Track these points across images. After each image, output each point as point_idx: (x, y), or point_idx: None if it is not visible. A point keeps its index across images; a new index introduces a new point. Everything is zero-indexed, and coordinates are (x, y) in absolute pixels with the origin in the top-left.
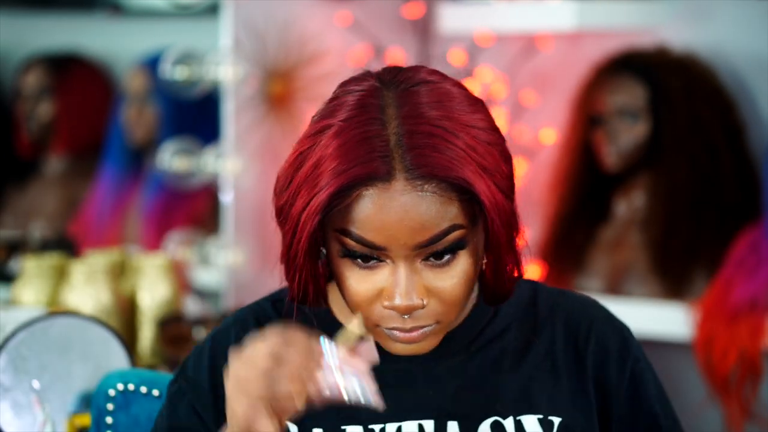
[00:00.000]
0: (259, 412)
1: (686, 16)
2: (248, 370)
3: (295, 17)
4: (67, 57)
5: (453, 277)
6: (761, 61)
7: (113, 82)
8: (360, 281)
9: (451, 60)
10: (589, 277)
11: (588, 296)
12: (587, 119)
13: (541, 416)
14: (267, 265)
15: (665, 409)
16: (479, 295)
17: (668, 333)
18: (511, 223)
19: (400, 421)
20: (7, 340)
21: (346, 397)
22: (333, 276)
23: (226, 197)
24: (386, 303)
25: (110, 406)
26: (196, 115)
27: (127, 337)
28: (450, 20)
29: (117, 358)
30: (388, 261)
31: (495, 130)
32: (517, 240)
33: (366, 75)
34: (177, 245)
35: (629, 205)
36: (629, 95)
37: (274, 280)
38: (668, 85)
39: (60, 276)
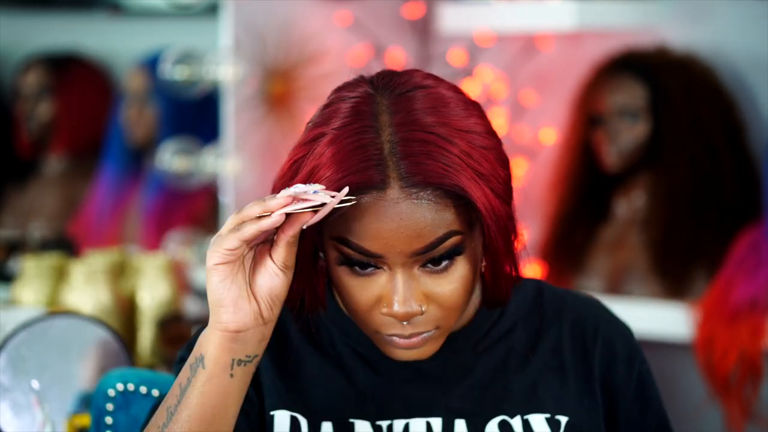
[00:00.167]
0: (224, 236)
1: (686, 16)
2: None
3: (295, 17)
4: (67, 57)
5: (451, 282)
6: (761, 61)
7: (113, 82)
8: (358, 288)
9: (451, 60)
10: (589, 277)
11: (591, 296)
12: (587, 119)
13: (548, 415)
14: None
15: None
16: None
17: (668, 333)
18: (508, 228)
19: (409, 418)
20: (6, 340)
21: (305, 186)
22: (332, 283)
23: (226, 197)
24: (384, 310)
25: (110, 406)
26: (195, 115)
27: (127, 337)
28: (450, 20)
29: (117, 358)
30: (385, 268)
31: (491, 133)
32: (515, 243)
33: (360, 81)
34: (177, 245)
35: (629, 205)
36: (629, 95)
37: None
38: (668, 85)
39: (60, 276)
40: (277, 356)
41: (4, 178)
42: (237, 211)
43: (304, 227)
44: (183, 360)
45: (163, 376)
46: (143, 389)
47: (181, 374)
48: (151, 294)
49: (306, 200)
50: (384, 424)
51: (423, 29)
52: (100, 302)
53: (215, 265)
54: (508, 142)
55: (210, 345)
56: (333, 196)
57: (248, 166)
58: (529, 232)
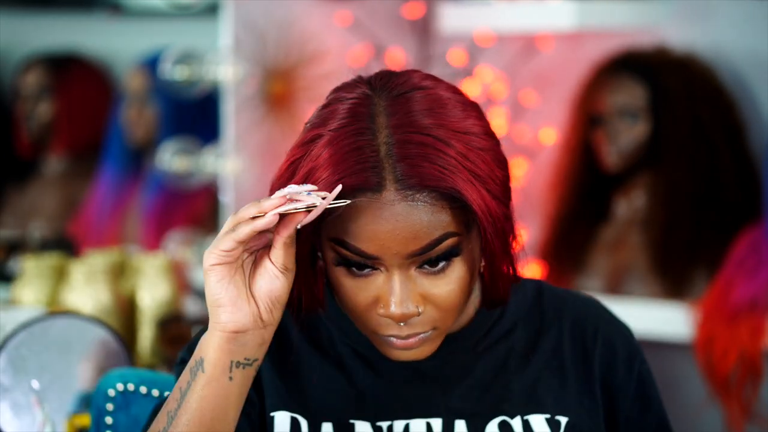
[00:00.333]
0: (221, 237)
1: (686, 16)
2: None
3: (295, 17)
4: (67, 57)
5: (448, 283)
6: (761, 61)
7: (113, 82)
8: (355, 289)
9: (451, 60)
10: (589, 277)
11: (591, 296)
12: (587, 119)
13: (548, 416)
14: None
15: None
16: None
17: (668, 333)
18: (505, 229)
19: (409, 419)
20: (6, 340)
21: (297, 187)
22: (330, 283)
23: (226, 197)
24: (381, 311)
25: (110, 406)
26: (195, 115)
27: (127, 337)
28: (450, 20)
29: (117, 358)
30: (382, 269)
31: (489, 134)
32: (512, 244)
33: (358, 81)
34: (177, 245)
35: (629, 205)
36: (629, 95)
37: None
38: (668, 85)
39: (60, 276)
40: (278, 357)
41: (4, 178)
42: (234, 213)
43: (299, 227)
44: (184, 361)
45: (163, 376)
46: (143, 389)
47: (181, 378)
48: (151, 294)
49: (299, 200)
50: (384, 424)
51: (423, 29)
52: (100, 302)
53: (212, 266)
54: (508, 142)
55: (209, 347)
56: (324, 197)
57: (248, 166)
58: (529, 232)
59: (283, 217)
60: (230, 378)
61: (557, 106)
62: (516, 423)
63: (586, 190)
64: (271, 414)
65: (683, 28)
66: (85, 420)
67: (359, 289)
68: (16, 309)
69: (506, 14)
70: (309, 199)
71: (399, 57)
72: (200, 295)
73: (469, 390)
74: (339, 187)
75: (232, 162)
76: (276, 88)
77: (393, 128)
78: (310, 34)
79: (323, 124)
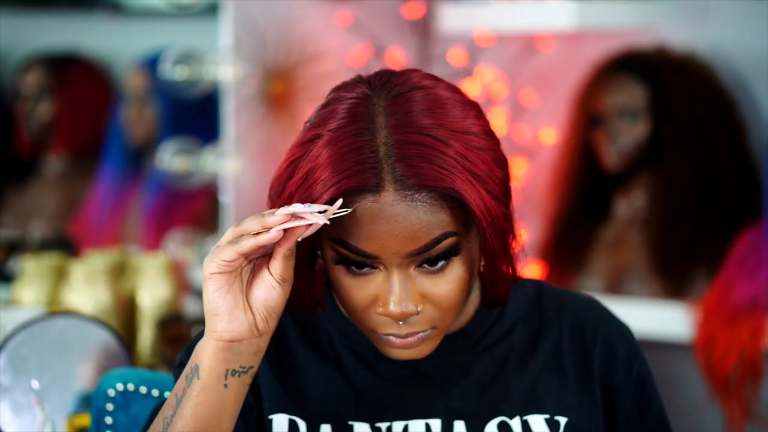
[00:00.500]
0: (222, 247)
1: (686, 16)
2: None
3: (295, 17)
4: (67, 57)
5: (448, 282)
6: (761, 61)
7: (113, 82)
8: (355, 288)
9: (451, 60)
10: (589, 277)
11: (591, 296)
12: (587, 119)
13: (547, 416)
14: None
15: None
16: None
17: (668, 333)
18: (504, 229)
19: (408, 419)
20: (6, 340)
21: (299, 209)
22: (329, 282)
23: (226, 197)
24: (380, 310)
25: (110, 407)
26: (195, 115)
27: (127, 337)
28: (450, 20)
29: (117, 358)
30: (381, 268)
31: (489, 134)
32: (512, 244)
33: (357, 81)
34: (177, 245)
35: (629, 205)
36: (629, 95)
37: None
38: (668, 85)
39: (60, 276)
40: (276, 359)
41: (4, 178)
42: (236, 224)
43: (300, 239)
44: (182, 364)
45: (163, 376)
46: (143, 389)
47: (177, 384)
48: (151, 294)
49: (303, 218)
50: (383, 425)
51: (423, 29)
52: (100, 302)
53: (211, 274)
54: (508, 142)
55: (204, 355)
56: (325, 211)
57: (248, 166)
58: (529, 232)
59: (284, 230)
60: (225, 385)
61: (557, 106)
62: (515, 423)
63: (586, 190)
64: (270, 417)
65: (683, 28)
66: (85, 420)
67: (358, 288)
68: (16, 309)
69: (506, 14)
70: (313, 218)
71: (399, 57)
72: (200, 295)
73: (469, 390)
74: (340, 201)
75: (232, 162)
76: (276, 88)
77: (392, 128)
78: (310, 34)
79: (322, 124)
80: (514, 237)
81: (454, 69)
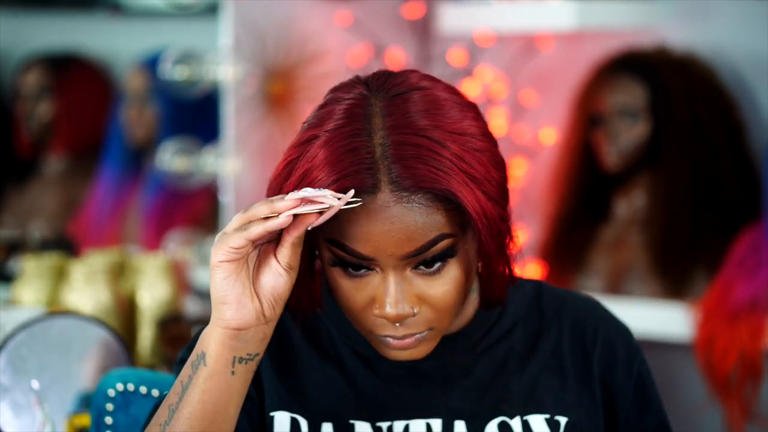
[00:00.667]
0: (230, 234)
1: (686, 16)
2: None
3: (295, 17)
4: (67, 57)
5: (444, 284)
6: (761, 61)
7: (113, 82)
8: (351, 289)
9: (451, 60)
10: (589, 277)
11: (591, 297)
12: (587, 119)
13: (548, 416)
14: None
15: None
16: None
17: (668, 333)
18: (500, 231)
19: (408, 419)
20: (6, 340)
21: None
22: (327, 282)
23: (226, 197)
24: (376, 312)
25: (110, 407)
26: (195, 115)
27: (127, 337)
28: (450, 20)
29: (117, 358)
30: (378, 269)
31: (486, 135)
32: (509, 245)
33: (355, 81)
34: (177, 245)
35: (629, 205)
36: (629, 95)
37: None
38: (668, 85)
39: (60, 276)
40: (278, 357)
41: (4, 178)
42: (244, 210)
43: (309, 228)
44: (184, 361)
45: (163, 376)
46: (143, 389)
47: (182, 372)
48: (151, 294)
49: (314, 203)
50: (384, 425)
51: (423, 29)
52: (100, 302)
53: (219, 263)
54: (508, 142)
55: (211, 342)
56: (339, 198)
57: (248, 166)
58: (529, 232)
59: (294, 217)
60: (233, 372)
61: (557, 106)
62: (515, 423)
63: (586, 190)
64: (271, 414)
65: (683, 28)
66: (85, 420)
67: (355, 290)
68: (16, 309)
69: (506, 14)
70: (326, 200)
71: (399, 57)
72: (200, 295)
73: (469, 390)
74: (352, 191)
75: (232, 162)
76: (276, 88)
77: (389, 129)
78: (310, 34)
79: (320, 125)
80: (511, 238)
81: (454, 69)
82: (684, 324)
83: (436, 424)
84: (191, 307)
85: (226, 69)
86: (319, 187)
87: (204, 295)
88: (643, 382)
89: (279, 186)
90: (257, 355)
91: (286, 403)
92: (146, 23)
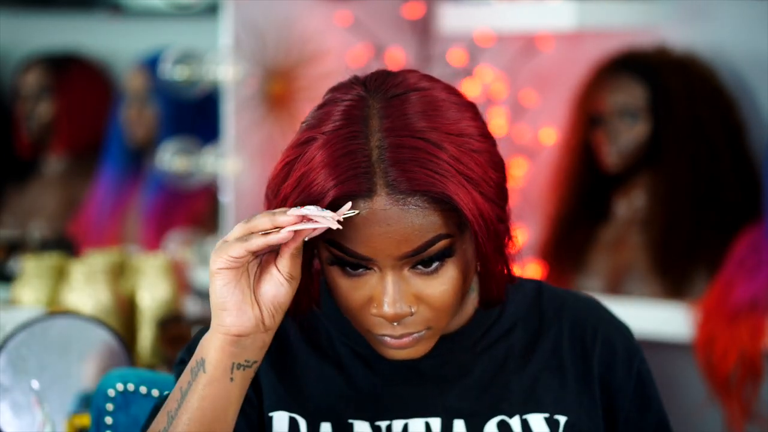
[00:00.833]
0: (230, 243)
1: (686, 16)
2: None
3: (295, 17)
4: (67, 57)
5: (442, 284)
6: (761, 61)
7: (113, 82)
8: (349, 289)
9: (451, 60)
10: (589, 277)
11: (591, 296)
12: (587, 119)
13: (547, 415)
14: None
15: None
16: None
17: (668, 333)
18: (498, 231)
19: (407, 418)
20: (6, 340)
21: (308, 212)
22: (326, 282)
23: (226, 197)
24: (374, 311)
25: (110, 407)
26: (195, 115)
27: (127, 337)
28: (450, 20)
29: (117, 358)
30: (376, 269)
31: (484, 136)
32: (508, 245)
33: (353, 82)
34: (177, 245)
35: (629, 205)
36: (629, 95)
37: None
38: (668, 85)
39: (60, 276)
40: (277, 357)
41: (4, 178)
42: (246, 220)
43: (307, 239)
44: (183, 362)
45: (163, 376)
46: (143, 389)
47: (181, 378)
48: (151, 294)
49: (315, 221)
50: (383, 424)
51: (423, 29)
52: (100, 302)
53: (219, 269)
54: (508, 142)
55: (211, 348)
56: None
57: (248, 166)
58: (529, 232)
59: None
60: (231, 379)
61: (557, 106)
62: (515, 422)
63: (586, 190)
64: (270, 414)
65: (683, 28)
66: (85, 420)
67: (353, 289)
68: (16, 309)
69: (506, 14)
70: (325, 222)
71: (399, 57)
72: (200, 295)
73: (468, 389)
74: (349, 203)
75: (232, 162)
76: (276, 88)
77: (385, 131)
78: (310, 34)
79: (318, 126)
80: (510, 238)
81: (454, 69)
82: (684, 324)
83: (435, 423)
84: (191, 307)
85: (226, 69)
86: (317, 190)
87: (204, 296)
88: (642, 382)
89: (277, 187)
90: (255, 362)
91: (285, 402)
92: (146, 23)
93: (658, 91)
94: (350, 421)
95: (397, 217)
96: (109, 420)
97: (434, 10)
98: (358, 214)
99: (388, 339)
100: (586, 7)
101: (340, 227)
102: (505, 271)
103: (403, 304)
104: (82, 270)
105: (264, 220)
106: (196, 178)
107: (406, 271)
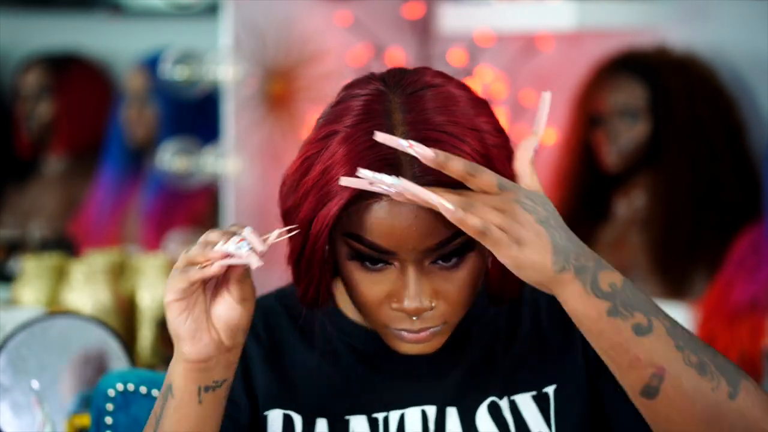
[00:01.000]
0: (173, 276)
1: (686, 16)
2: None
3: (295, 17)
4: (67, 57)
5: (460, 279)
6: (761, 61)
7: (113, 82)
8: (368, 284)
9: (451, 60)
10: None
11: None
12: (587, 119)
13: (534, 393)
14: (266, 264)
15: None
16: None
17: None
18: None
19: (403, 408)
20: (6, 340)
21: (236, 245)
22: (341, 277)
23: (226, 197)
24: (395, 305)
25: (110, 407)
26: (195, 115)
27: (127, 337)
28: (450, 20)
29: (117, 358)
30: (396, 263)
31: (500, 131)
32: None
33: (370, 78)
34: (177, 245)
35: (629, 205)
36: (629, 95)
37: (273, 280)
38: (668, 85)
39: (60, 276)
40: (271, 355)
41: (4, 178)
42: (186, 249)
43: (253, 268)
44: None
45: (163, 376)
46: (143, 389)
47: (156, 403)
48: (151, 294)
49: (238, 256)
50: (380, 416)
51: (423, 29)
52: (100, 302)
53: (170, 302)
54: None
55: (176, 374)
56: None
57: (248, 166)
58: None
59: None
60: (200, 401)
61: (557, 106)
62: (504, 404)
63: (586, 190)
64: (264, 413)
65: (683, 28)
66: (85, 420)
67: (372, 284)
68: (16, 309)
69: (506, 14)
70: (245, 257)
71: (399, 57)
72: None
73: (460, 376)
74: (276, 232)
75: (232, 162)
76: (276, 88)
77: (409, 125)
78: (310, 34)
79: (337, 121)
80: None
81: (454, 69)
82: (684, 324)
83: (431, 411)
84: None
85: (226, 69)
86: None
87: None
88: None
89: (296, 182)
90: (225, 380)
91: (279, 400)
92: (146, 23)
93: (658, 91)
94: (346, 416)
95: (422, 210)
96: (109, 420)
97: (434, 10)
98: (298, 231)
99: (405, 333)
100: (586, 7)
101: (261, 264)
102: None
103: (425, 299)
104: (82, 270)
105: (197, 253)
106: (196, 178)
107: (426, 266)
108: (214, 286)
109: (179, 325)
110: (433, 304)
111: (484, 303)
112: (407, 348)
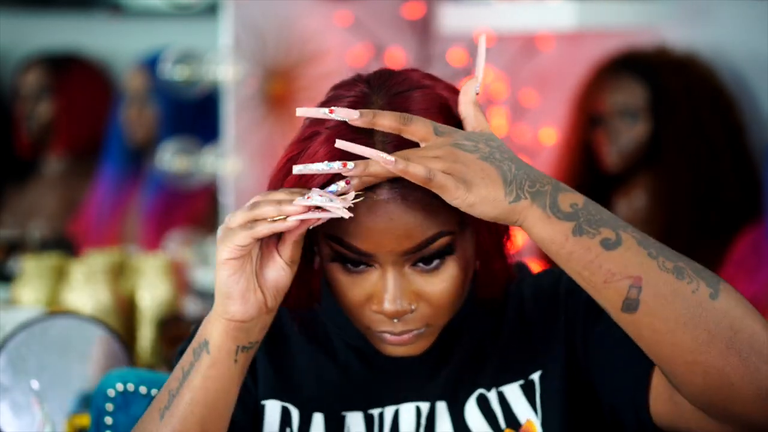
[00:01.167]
0: (235, 231)
1: (686, 16)
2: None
3: (295, 17)
4: (67, 57)
5: (442, 281)
6: (761, 61)
7: (113, 82)
8: (350, 285)
9: (451, 60)
10: None
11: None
12: (587, 119)
13: (522, 381)
14: None
15: None
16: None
17: None
18: (498, 229)
19: (398, 404)
20: (6, 340)
21: (321, 199)
22: (325, 278)
23: (226, 197)
24: (374, 308)
25: (110, 407)
26: (195, 115)
27: (127, 337)
28: (450, 20)
29: (117, 358)
30: (376, 266)
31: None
32: (507, 244)
33: (356, 80)
34: (177, 245)
35: (629, 205)
36: (629, 95)
37: None
38: (668, 85)
39: (59, 276)
40: (272, 348)
41: (4, 178)
42: (249, 207)
43: (311, 227)
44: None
45: (163, 376)
46: (143, 389)
47: (183, 358)
48: (151, 294)
49: (324, 210)
50: (375, 412)
51: (423, 29)
52: (100, 302)
53: (226, 260)
54: (508, 142)
55: (215, 332)
56: (347, 205)
57: (248, 166)
58: None
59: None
60: (235, 361)
61: (557, 106)
62: (492, 395)
63: (586, 190)
64: (263, 402)
65: (683, 28)
66: (85, 420)
67: (354, 285)
68: (16, 309)
69: (506, 14)
70: (337, 212)
71: (399, 57)
72: (200, 295)
73: (451, 372)
74: (353, 193)
75: (232, 162)
76: (276, 88)
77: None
78: (310, 34)
79: (321, 122)
80: (509, 237)
81: (454, 69)
82: None
83: (424, 407)
84: (191, 307)
85: (226, 69)
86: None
87: (203, 295)
88: (571, 292)
89: (279, 182)
90: (256, 342)
91: (278, 392)
92: (146, 23)
93: (658, 91)
94: (343, 411)
95: (399, 212)
96: (108, 420)
97: (434, 10)
98: (363, 199)
99: (387, 336)
100: (586, 7)
101: (351, 215)
102: (505, 269)
103: (404, 302)
104: (82, 270)
105: (270, 209)
106: (196, 178)
107: (406, 269)
108: (259, 247)
109: (232, 285)
110: (413, 307)
111: (473, 300)
112: (391, 350)
